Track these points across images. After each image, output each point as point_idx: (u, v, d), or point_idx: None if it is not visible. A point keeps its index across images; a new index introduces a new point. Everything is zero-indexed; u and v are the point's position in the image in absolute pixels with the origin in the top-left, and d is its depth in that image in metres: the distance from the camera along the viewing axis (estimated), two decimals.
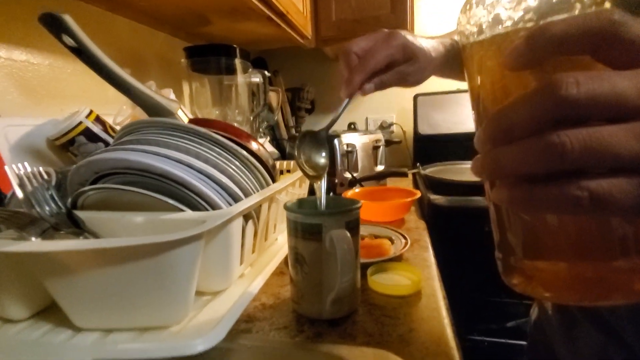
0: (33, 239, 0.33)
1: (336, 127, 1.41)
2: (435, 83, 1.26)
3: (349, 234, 0.33)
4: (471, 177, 0.90)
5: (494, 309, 0.87)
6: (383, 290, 0.41)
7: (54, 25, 0.39)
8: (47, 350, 0.32)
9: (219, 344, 0.32)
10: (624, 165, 0.14)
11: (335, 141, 0.90)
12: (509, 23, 0.19)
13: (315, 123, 1.48)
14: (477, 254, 0.69)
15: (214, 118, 0.88)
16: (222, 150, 0.43)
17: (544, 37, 0.16)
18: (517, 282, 0.21)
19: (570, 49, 0.16)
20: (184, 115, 0.49)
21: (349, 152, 0.93)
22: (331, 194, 0.84)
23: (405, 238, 0.55)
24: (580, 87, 0.14)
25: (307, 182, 0.68)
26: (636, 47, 0.15)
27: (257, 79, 0.92)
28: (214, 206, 0.39)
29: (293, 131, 1.29)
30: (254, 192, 0.45)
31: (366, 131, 1.06)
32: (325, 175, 0.39)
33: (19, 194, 0.36)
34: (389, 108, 1.47)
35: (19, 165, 0.37)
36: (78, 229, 0.37)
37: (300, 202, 0.40)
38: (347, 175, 0.91)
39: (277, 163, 0.77)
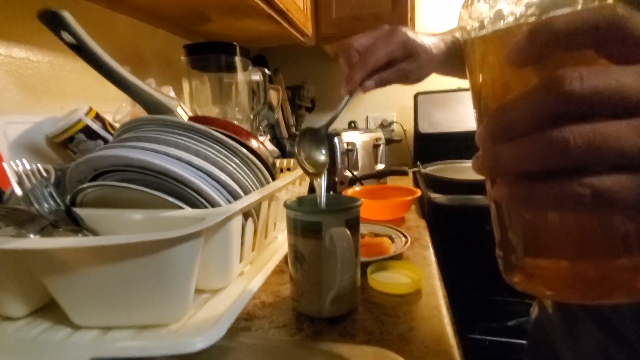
0: (32, 236, 0.33)
1: (336, 126, 1.41)
2: (435, 81, 1.26)
3: (348, 232, 0.33)
4: (472, 176, 0.91)
5: (495, 307, 0.87)
6: (383, 288, 0.41)
7: (53, 22, 0.38)
8: (46, 348, 0.32)
9: (218, 342, 0.32)
10: (627, 162, 0.14)
11: (336, 139, 0.90)
12: (511, 18, 0.19)
13: (315, 121, 1.48)
14: (477, 252, 0.69)
15: (214, 116, 0.88)
16: (222, 148, 0.42)
17: (546, 32, 0.15)
18: (518, 280, 0.21)
19: (574, 43, 0.15)
20: (183, 113, 0.48)
21: (349, 151, 0.92)
22: (331, 192, 0.84)
23: (405, 236, 0.55)
24: (584, 82, 0.14)
25: (308, 180, 0.68)
26: None
27: (257, 77, 0.92)
28: (213, 204, 0.39)
29: (293, 130, 1.29)
30: (254, 190, 0.45)
31: (366, 130, 1.06)
32: (325, 173, 0.38)
33: (18, 191, 0.35)
34: (389, 106, 1.47)
35: (18, 162, 0.37)
36: (77, 226, 0.37)
37: (300, 200, 0.40)
38: (348, 173, 0.90)
39: (277, 161, 0.77)
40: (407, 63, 0.42)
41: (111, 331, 0.34)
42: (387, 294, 0.40)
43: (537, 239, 0.19)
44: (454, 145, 1.20)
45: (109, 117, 0.61)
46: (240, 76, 0.88)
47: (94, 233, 0.37)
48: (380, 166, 1.06)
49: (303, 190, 0.67)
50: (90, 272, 0.31)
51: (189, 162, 0.39)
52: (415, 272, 0.44)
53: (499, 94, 0.19)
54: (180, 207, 0.37)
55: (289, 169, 0.79)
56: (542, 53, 0.16)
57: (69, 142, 0.55)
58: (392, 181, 1.03)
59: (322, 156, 0.39)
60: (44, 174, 0.38)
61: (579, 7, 0.17)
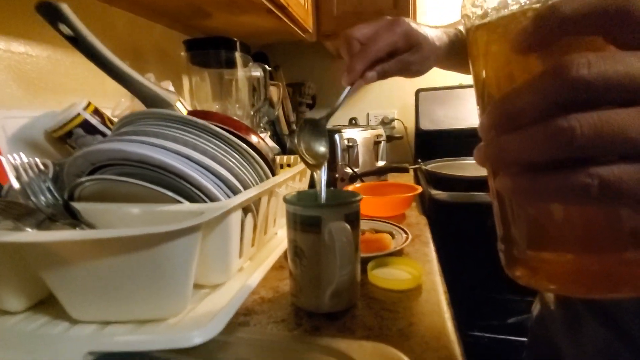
0: (29, 229, 0.32)
1: (337, 122, 1.41)
2: (437, 78, 1.26)
3: (348, 227, 0.33)
4: (473, 173, 0.90)
5: (495, 305, 0.86)
6: (383, 284, 0.41)
7: (51, 14, 0.38)
8: (44, 341, 0.32)
9: (216, 337, 0.32)
10: (636, 152, 0.14)
11: (336, 136, 0.90)
12: (515, 7, 0.18)
13: (316, 116, 1.47)
14: (478, 249, 0.69)
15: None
16: (221, 142, 0.42)
17: (553, 17, 0.15)
18: (520, 274, 0.20)
19: (581, 29, 0.15)
20: (182, 107, 0.48)
21: (350, 147, 0.92)
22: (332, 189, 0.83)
23: (406, 233, 0.55)
24: (592, 68, 0.13)
25: (308, 176, 0.68)
26: None
27: (257, 73, 0.91)
28: (212, 198, 0.38)
29: (294, 126, 1.28)
30: (253, 185, 0.45)
31: (367, 126, 1.06)
32: (325, 165, 0.38)
33: (15, 184, 0.35)
34: (390, 103, 1.46)
35: (15, 155, 0.37)
36: (75, 220, 0.37)
37: (300, 195, 0.40)
38: (348, 170, 0.90)
39: (278, 157, 0.77)
40: (409, 54, 0.41)
41: (109, 325, 0.33)
42: (387, 290, 0.40)
43: (541, 231, 0.19)
44: (455, 142, 1.19)
45: (108, 113, 0.61)
46: (241, 72, 0.88)
47: (92, 227, 0.37)
48: (381, 163, 1.06)
49: (303, 186, 0.67)
50: (87, 266, 0.31)
51: (188, 156, 0.38)
52: (416, 268, 0.43)
53: (503, 83, 0.19)
54: (179, 202, 0.37)
55: (289, 165, 0.78)
56: (548, 39, 0.16)
57: (68, 136, 0.55)
58: (392, 178, 1.03)
59: (322, 147, 0.39)
60: (42, 167, 0.38)
61: None
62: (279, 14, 0.88)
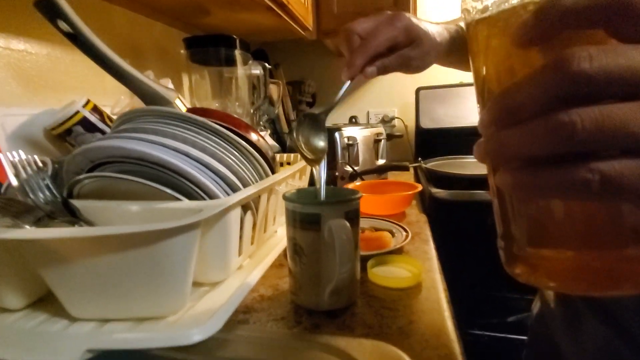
0: (27, 227, 0.32)
1: (337, 121, 1.41)
2: (437, 76, 1.26)
3: (348, 224, 0.33)
4: (473, 171, 0.90)
5: (495, 303, 0.86)
6: (383, 282, 0.41)
7: (49, 11, 0.38)
8: (43, 339, 0.32)
9: (215, 335, 0.32)
10: (638, 146, 0.14)
11: (336, 134, 0.90)
12: (515, 0, 0.18)
13: (315, 112, 1.47)
14: (478, 248, 0.69)
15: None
16: (220, 140, 0.42)
17: (554, 10, 0.15)
18: (520, 271, 0.20)
19: (583, 22, 0.15)
20: (181, 105, 0.48)
21: (350, 146, 0.92)
22: (331, 187, 0.83)
23: (406, 231, 0.54)
24: (593, 62, 0.13)
25: (308, 174, 0.68)
26: None
27: (257, 71, 0.91)
28: (211, 196, 0.38)
29: (294, 124, 1.28)
30: (253, 183, 0.44)
31: (367, 125, 1.05)
32: (325, 162, 0.38)
33: (14, 181, 0.35)
34: (390, 102, 1.46)
35: (14, 153, 0.37)
36: (74, 217, 0.36)
37: (299, 192, 0.40)
38: (348, 168, 0.90)
39: (278, 156, 0.77)
40: (409, 49, 0.41)
41: (108, 323, 0.33)
42: (387, 288, 0.40)
43: (541, 228, 0.19)
44: (455, 140, 1.19)
45: (107, 110, 0.61)
46: (241, 70, 0.88)
47: (91, 224, 0.37)
48: (381, 161, 1.05)
49: (303, 184, 0.67)
50: (86, 263, 0.31)
51: (187, 154, 0.38)
52: (416, 266, 0.43)
53: (503, 78, 0.19)
54: (178, 199, 0.37)
55: (289, 164, 0.78)
56: (549, 33, 0.15)
57: (67, 134, 0.55)
58: (393, 177, 1.03)
59: (321, 142, 0.38)
60: (40, 165, 0.37)
61: None
62: (279, 12, 0.87)
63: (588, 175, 0.14)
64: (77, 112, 0.54)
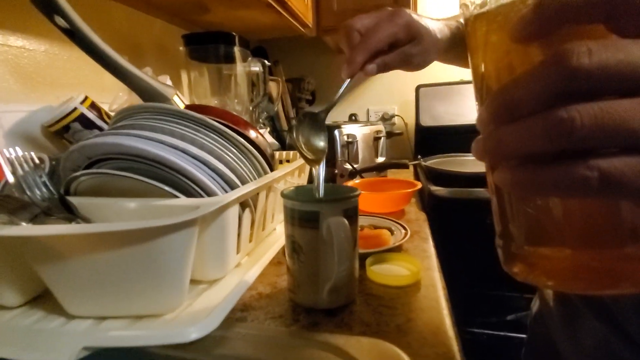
0: (23, 223, 0.32)
1: (337, 118, 1.40)
2: (438, 74, 1.25)
3: (346, 222, 0.32)
4: (472, 169, 0.90)
5: (494, 302, 0.86)
6: (381, 280, 0.41)
7: (46, 6, 0.37)
8: (39, 336, 0.32)
9: (213, 332, 0.32)
10: (638, 143, 0.13)
11: (336, 132, 0.89)
12: None
13: (315, 110, 1.47)
14: (477, 246, 0.69)
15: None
16: (219, 137, 0.42)
17: (553, 4, 0.15)
18: (518, 270, 0.20)
19: (582, 16, 0.14)
20: (180, 102, 0.48)
21: (350, 143, 0.92)
22: (330, 184, 0.83)
23: (405, 229, 0.54)
24: (593, 57, 0.13)
25: (306, 171, 0.67)
26: None
27: (256, 68, 0.90)
28: (209, 193, 0.38)
29: (293, 122, 1.28)
30: (251, 181, 0.44)
31: (367, 122, 1.05)
32: (324, 159, 0.38)
33: (10, 178, 0.35)
34: (390, 99, 1.46)
35: (10, 149, 0.36)
36: (71, 214, 0.36)
37: (298, 190, 0.39)
38: (348, 166, 0.90)
39: (277, 153, 0.76)
40: (410, 46, 0.40)
41: (105, 321, 0.33)
42: (386, 286, 0.40)
43: (540, 226, 0.19)
44: (455, 138, 1.18)
45: (105, 107, 0.61)
46: (240, 67, 0.87)
47: (88, 221, 0.37)
48: (381, 159, 1.05)
49: (302, 181, 0.66)
50: (82, 260, 0.30)
51: (185, 151, 0.38)
52: (414, 264, 0.43)
53: (502, 74, 0.19)
54: (175, 196, 0.37)
55: (288, 161, 0.78)
56: (549, 27, 0.15)
57: (65, 131, 0.54)
58: (392, 174, 1.03)
59: (321, 142, 0.38)
60: (37, 161, 0.37)
61: None
62: (279, 9, 0.87)
63: (587, 172, 0.14)
64: (75, 109, 0.54)
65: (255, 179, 0.45)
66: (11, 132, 0.53)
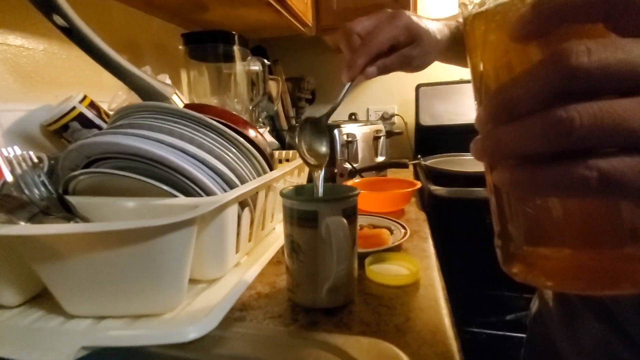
0: (22, 223, 0.32)
1: (337, 117, 1.40)
2: (438, 73, 1.25)
3: (345, 221, 0.32)
4: (472, 168, 0.90)
5: (494, 301, 0.86)
6: (380, 280, 0.41)
7: (44, 4, 0.37)
8: (38, 335, 0.32)
9: (212, 332, 0.32)
10: (637, 143, 0.13)
11: (336, 131, 0.89)
12: None
13: (315, 113, 1.46)
14: (477, 245, 0.69)
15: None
16: (218, 136, 0.42)
17: (552, 3, 0.14)
18: (517, 270, 0.20)
19: (581, 15, 0.14)
20: (179, 100, 0.47)
21: (349, 143, 0.91)
22: (329, 184, 0.83)
23: (404, 228, 0.54)
24: (592, 56, 0.13)
25: (306, 171, 0.67)
26: None
27: (256, 67, 0.90)
28: (208, 192, 0.38)
29: (293, 122, 1.28)
30: (251, 180, 0.44)
31: (367, 122, 1.05)
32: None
33: (9, 177, 0.35)
34: (390, 99, 1.45)
35: (9, 148, 0.36)
36: (69, 214, 0.36)
37: (297, 189, 0.39)
38: (347, 165, 0.90)
39: (276, 152, 0.76)
40: (410, 48, 0.40)
41: (104, 320, 0.33)
42: (385, 286, 0.40)
43: (538, 226, 0.18)
44: (455, 137, 1.18)
45: (104, 106, 0.60)
46: (239, 66, 0.87)
47: (87, 221, 0.37)
48: (381, 158, 1.05)
49: (301, 180, 0.66)
50: (81, 260, 0.30)
51: (183, 150, 0.38)
52: (414, 264, 0.43)
53: (500, 74, 0.18)
54: (174, 195, 0.36)
55: (287, 160, 0.78)
56: (548, 26, 0.15)
57: (64, 130, 0.54)
58: (392, 174, 1.03)
59: (323, 147, 0.38)
60: (36, 160, 0.37)
61: None
62: (278, 7, 0.87)
63: (586, 172, 0.14)
64: (74, 108, 0.54)
65: (254, 178, 0.45)
66: (10, 131, 0.53)
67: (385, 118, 1.39)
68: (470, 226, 0.80)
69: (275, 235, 0.56)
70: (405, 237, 0.51)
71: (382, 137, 1.05)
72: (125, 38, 0.81)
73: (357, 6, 1.10)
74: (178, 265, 0.33)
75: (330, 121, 1.05)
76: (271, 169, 0.50)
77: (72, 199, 0.37)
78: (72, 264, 0.31)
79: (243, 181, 0.42)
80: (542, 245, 0.19)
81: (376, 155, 1.03)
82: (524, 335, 0.50)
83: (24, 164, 0.36)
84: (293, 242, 0.35)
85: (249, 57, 0.89)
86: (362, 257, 0.43)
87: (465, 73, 1.20)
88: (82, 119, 0.54)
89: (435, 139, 1.26)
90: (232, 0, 0.82)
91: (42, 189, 0.36)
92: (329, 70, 1.48)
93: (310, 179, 0.38)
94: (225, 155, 0.41)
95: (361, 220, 0.59)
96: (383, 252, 0.46)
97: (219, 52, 0.83)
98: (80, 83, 0.68)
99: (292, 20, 0.99)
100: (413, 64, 0.42)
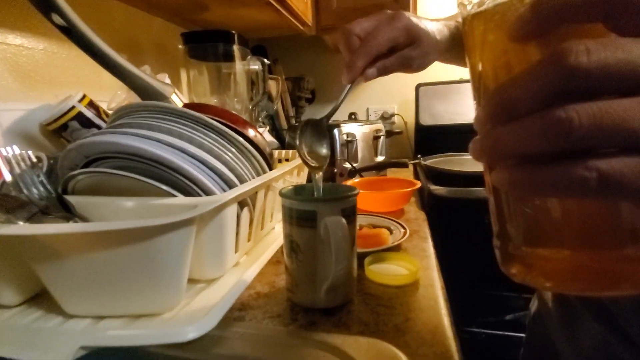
0: (21, 222, 0.32)
1: (337, 117, 1.40)
2: (437, 73, 1.25)
3: (344, 221, 0.32)
4: (472, 168, 0.90)
5: (493, 301, 0.86)
6: (380, 279, 0.41)
7: (43, 3, 0.37)
8: (37, 335, 0.32)
9: (211, 332, 0.32)
10: (637, 144, 0.13)
11: (335, 131, 0.89)
12: None
13: (315, 113, 1.47)
14: (477, 245, 0.69)
15: None
16: (217, 136, 0.41)
17: (552, 3, 0.14)
18: (516, 271, 0.20)
19: (580, 15, 0.14)
20: (178, 100, 0.47)
21: (349, 142, 0.91)
22: (329, 183, 0.83)
23: (404, 228, 0.54)
24: (591, 56, 0.13)
25: (305, 170, 0.67)
26: None
27: (256, 66, 0.90)
28: (207, 192, 0.38)
29: (293, 121, 1.28)
30: (250, 179, 0.44)
31: (367, 121, 1.05)
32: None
33: (8, 177, 0.35)
34: (390, 99, 1.45)
35: (8, 148, 0.36)
36: (68, 213, 0.36)
37: (296, 189, 0.39)
38: (347, 165, 0.89)
39: (276, 152, 0.76)
40: (410, 49, 0.40)
41: (103, 320, 0.33)
42: (384, 285, 0.40)
43: (538, 227, 0.18)
44: (455, 137, 1.18)
45: (104, 106, 0.60)
46: (239, 65, 0.87)
47: (86, 220, 0.37)
48: (380, 158, 1.05)
49: (301, 180, 0.66)
50: (80, 259, 0.30)
51: (183, 150, 0.38)
52: (413, 264, 0.43)
53: (499, 74, 0.18)
54: (173, 195, 0.36)
55: (287, 160, 0.78)
56: (547, 26, 0.15)
57: (63, 129, 0.54)
58: (392, 173, 1.03)
59: (324, 149, 0.38)
60: (35, 160, 0.37)
61: None
62: (278, 7, 0.87)
63: (585, 173, 0.14)
64: (73, 108, 0.54)
65: (253, 177, 0.45)
66: (9, 130, 0.53)
67: (385, 118, 1.39)
68: (470, 226, 0.80)
69: (275, 235, 0.56)
70: (405, 237, 0.51)
71: (382, 137, 1.04)
72: (125, 38, 0.81)
73: (356, 6, 1.10)
74: (177, 265, 0.33)
75: (330, 121, 1.05)
76: (270, 168, 0.50)
77: (71, 199, 0.37)
78: (71, 263, 0.31)
79: (242, 181, 0.42)
80: (541, 245, 0.19)
81: (376, 155, 1.03)
82: (523, 335, 0.50)
83: (23, 164, 0.36)
84: (292, 241, 0.35)
85: (249, 57, 0.89)
86: (362, 256, 0.43)
87: (465, 73, 1.19)
88: (81, 118, 0.54)
89: (435, 138, 1.26)
90: (232, 0, 0.82)
91: (41, 188, 0.36)
92: (329, 70, 1.48)
93: (310, 179, 0.38)
94: (225, 155, 0.41)
95: (361, 220, 0.59)
96: (382, 251, 0.46)
97: (219, 51, 0.83)
98: (79, 82, 0.68)
99: (292, 19, 0.99)
100: (413, 65, 0.42)
